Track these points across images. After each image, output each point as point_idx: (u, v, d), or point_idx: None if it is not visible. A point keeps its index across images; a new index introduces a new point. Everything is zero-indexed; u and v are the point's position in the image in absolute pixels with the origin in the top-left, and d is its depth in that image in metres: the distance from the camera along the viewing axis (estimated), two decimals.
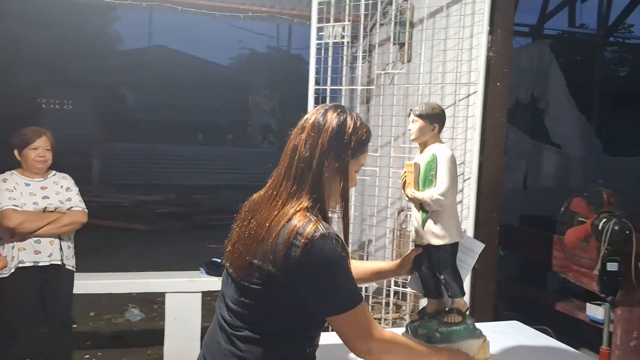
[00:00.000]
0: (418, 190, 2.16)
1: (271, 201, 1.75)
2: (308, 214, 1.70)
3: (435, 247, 2.17)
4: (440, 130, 2.21)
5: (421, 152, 2.21)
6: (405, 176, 2.22)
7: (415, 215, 2.21)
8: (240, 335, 1.75)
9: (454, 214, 2.18)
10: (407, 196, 2.21)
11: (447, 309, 2.27)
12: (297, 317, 1.75)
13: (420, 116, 2.17)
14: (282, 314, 1.74)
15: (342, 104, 4.46)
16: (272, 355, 1.75)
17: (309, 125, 1.78)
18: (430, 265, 2.23)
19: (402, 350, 1.87)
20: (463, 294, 2.21)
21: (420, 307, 4.05)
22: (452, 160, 2.13)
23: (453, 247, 2.19)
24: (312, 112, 1.82)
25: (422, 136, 2.19)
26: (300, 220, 1.67)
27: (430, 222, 2.15)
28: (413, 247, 2.27)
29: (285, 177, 1.76)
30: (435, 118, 2.18)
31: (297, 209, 1.71)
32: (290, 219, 1.68)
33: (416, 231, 2.21)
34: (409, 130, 2.22)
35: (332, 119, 1.79)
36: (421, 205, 2.16)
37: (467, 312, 2.25)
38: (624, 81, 17.19)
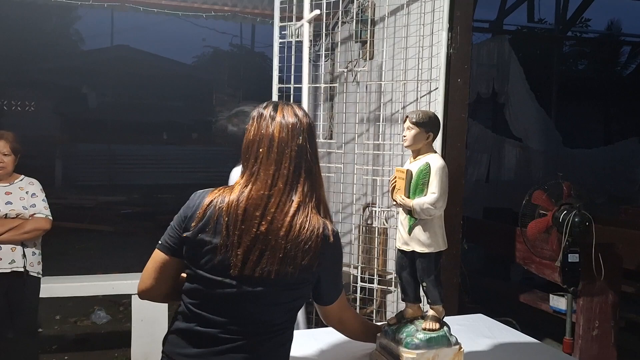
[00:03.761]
0: (408, 197, 2.18)
1: (284, 201, 1.78)
2: (316, 211, 1.83)
3: (419, 254, 2.19)
4: (434, 139, 2.23)
5: (414, 159, 2.23)
6: (395, 182, 2.24)
7: (402, 221, 2.23)
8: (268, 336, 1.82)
9: (440, 223, 2.20)
10: (396, 202, 2.23)
11: (423, 314, 2.31)
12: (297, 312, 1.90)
13: (416, 124, 2.18)
14: (294, 312, 1.88)
15: (306, 102, 4.49)
16: (286, 350, 1.91)
17: (305, 125, 1.85)
18: (412, 271, 2.26)
19: None
20: (442, 301, 2.25)
21: (382, 302, 4.07)
22: (445, 170, 2.15)
23: (437, 256, 2.21)
24: (291, 111, 1.87)
25: (416, 143, 2.20)
26: (318, 219, 1.80)
27: (417, 230, 2.17)
28: (396, 252, 2.30)
29: (295, 178, 1.81)
30: (430, 126, 2.20)
31: (312, 206, 1.82)
32: (314, 220, 1.79)
33: (401, 237, 2.23)
34: (403, 136, 2.23)
35: (306, 115, 1.89)
36: (409, 212, 2.18)
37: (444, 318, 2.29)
38: (582, 75, 17.50)
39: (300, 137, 1.83)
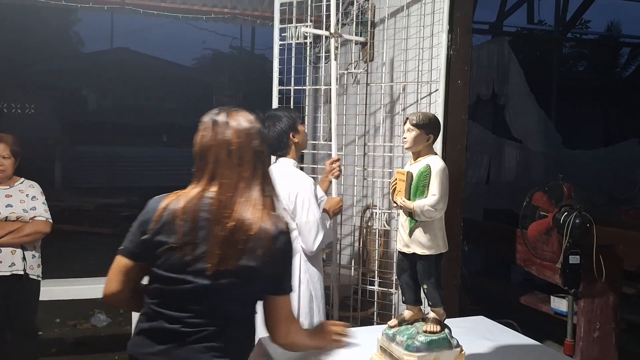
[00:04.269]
0: (408, 199, 2.18)
1: (246, 201, 1.91)
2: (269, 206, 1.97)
3: (420, 256, 2.19)
4: (434, 141, 2.23)
5: (414, 160, 2.23)
6: (396, 183, 2.24)
7: (403, 223, 2.23)
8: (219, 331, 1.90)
9: (441, 225, 2.20)
10: (396, 203, 2.22)
11: (424, 317, 2.30)
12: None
13: (416, 125, 2.19)
14: (254, 304, 2.00)
15: (306, 103, 4.49)
16: (250, 342, 2.02)
17: (256, 130, 1.99)
18: (412, 273, 2.26)
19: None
20: (443, 303, 2.24)
21: (382, 305, 4.06)
22: (445, 172, 2.15)
23: (438, 258, 2.21)
24: (243, 117, 2.00)
25: (417, 145, 2.21)
26: (271, 214, 1.93)
27: (417, 232, 2.17)
28: (397, 254, 2.31)
29: (254, 179, 1.94)
30: (431, 128, 2.20)
31: (267, 203, 1.95)
32: (270, 216, 1.92)
33: (402, 239, 2.23)
34: (404, 138, 2.23)
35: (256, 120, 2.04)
36: (410, 214, 2.18)
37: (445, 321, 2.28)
38: (582, 76, 17.49)
39: (255, 141, 1.97)
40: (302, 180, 3.36)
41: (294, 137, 3.44)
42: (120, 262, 2.00)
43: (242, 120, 1.97)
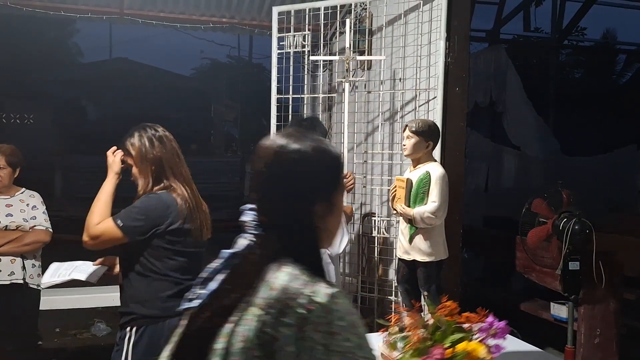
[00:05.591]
0: (408, 206, 2.18)
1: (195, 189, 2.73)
2: None
3: (421, 263, 2.19)
4: (433, 148, 2.24)
5: (414, 167, 2.24)
6: (395, 190, 2.24)
7: (402, 230, 2.24)
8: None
9: (441, 232, 2.21)
10: (396, 210, 2.23)
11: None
12: None
13: (415, 132, 2.20)
14: None
15: (305, 112, 4.51)
16: None
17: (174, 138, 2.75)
18: (413, 280, 2.26)
19: None
20: None
21: (382, 312, 4.05)
22: (445, 179, 2.16)
23: (438, 264, 2.21)
24: (167, 131, 2.70)
25: (416, 152, 2.22)
26: None
27: (418, 239, 2.18)
28: (397, 261, 2.32)
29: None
30: (430, 135, 2.22)
31: None
32: None
33: (402, 246, 2.24)
34: (403, 145, 2.24)
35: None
36: (410, 221, 2.18)
37: None
38: (579, 83, 17.52)
39: (178, 147, 2.66)
40: None
41: None
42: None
43: (169, 133, 2.65)
